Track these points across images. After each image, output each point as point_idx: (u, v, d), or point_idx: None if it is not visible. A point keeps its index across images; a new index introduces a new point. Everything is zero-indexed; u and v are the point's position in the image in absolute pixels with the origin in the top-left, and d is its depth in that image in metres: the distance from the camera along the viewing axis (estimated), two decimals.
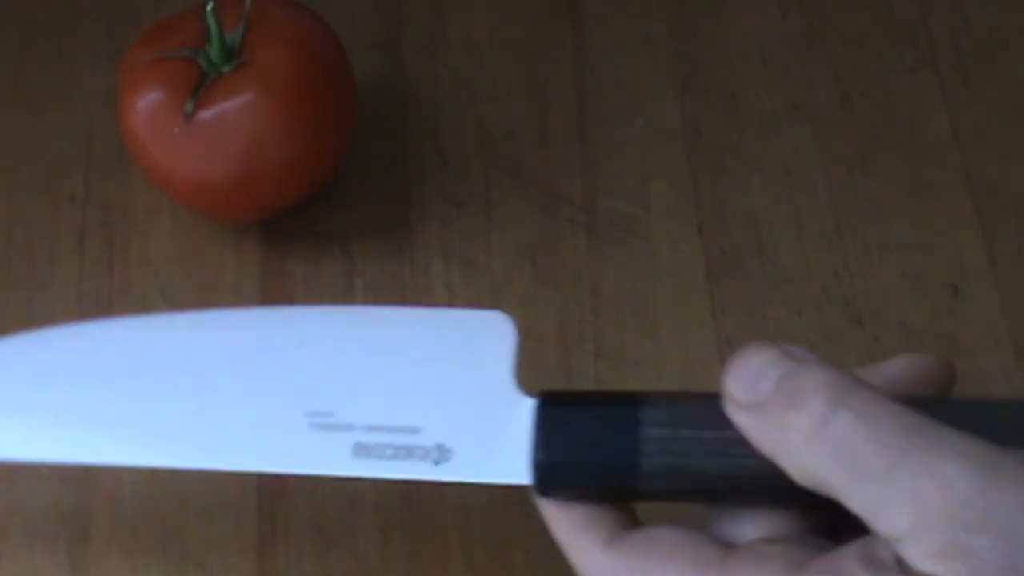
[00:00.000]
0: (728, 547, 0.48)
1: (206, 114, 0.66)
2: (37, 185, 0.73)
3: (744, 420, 0.48)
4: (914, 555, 0.44)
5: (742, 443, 0.48)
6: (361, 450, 0.52)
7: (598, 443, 0.50)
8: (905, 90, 0.76)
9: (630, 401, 0.50)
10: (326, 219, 0.72)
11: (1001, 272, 0.70)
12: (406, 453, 0.52)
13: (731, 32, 0.78)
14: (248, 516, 0.65)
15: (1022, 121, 0.75)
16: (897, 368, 0.52)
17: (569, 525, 0.51)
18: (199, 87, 0.67)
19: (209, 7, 0.66)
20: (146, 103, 0.67)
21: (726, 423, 0.49)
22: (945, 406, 0.49)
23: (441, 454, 0.52)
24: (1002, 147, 0.74)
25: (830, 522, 0.49)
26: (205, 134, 0.66)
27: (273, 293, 0.70)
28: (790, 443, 0.47)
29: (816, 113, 0.75)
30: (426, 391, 0.53)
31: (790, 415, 0.47)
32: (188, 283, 0.70)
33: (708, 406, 0.49)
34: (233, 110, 0.66)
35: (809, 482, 0.47)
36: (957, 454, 0.44)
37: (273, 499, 0.65)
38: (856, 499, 0.45)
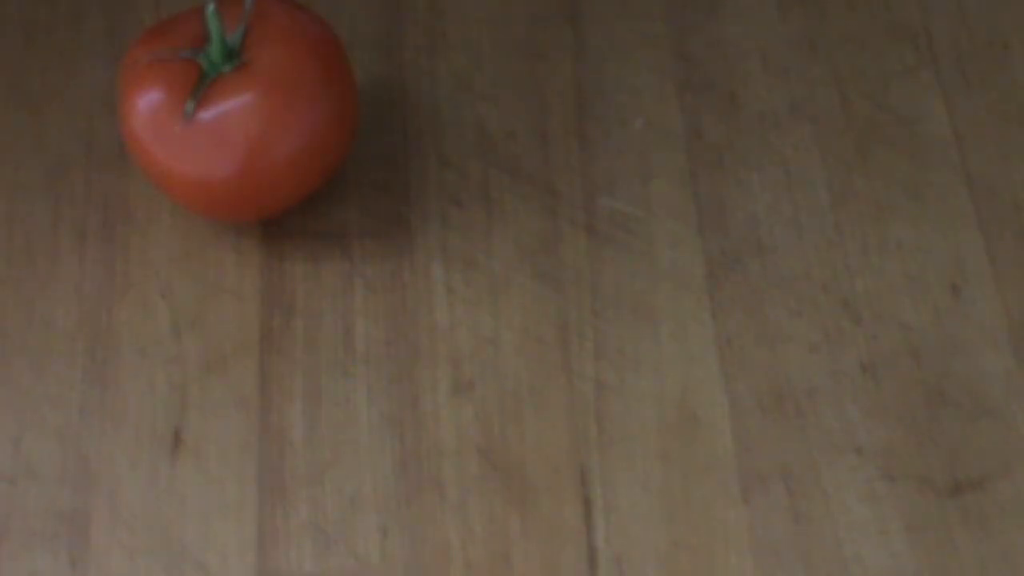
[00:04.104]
0: None
1: (206, 114, 0.66)
2: (37, 185, 0.73)
3: None
4: None
5: None
6: None
7: None
8: (905, 90, 0.76)
9: None
10: (326, 219, 0.72)
11: (1001, 272, 0.70)
12: None
13: (731, 32, 0.78)
14: (248, 516, 0.65)
15: (1022, 121, 0.75)
16: None
17: None
18: (199, 87, 0.67)
19: (209, 7, 0.66)
20: (146, 103, 0.67)
21: None
22: None
23: None
24: (1002, 147, 0.74)
25: None
26: (205, 134, 0.66)
27: (273, 293, 0.70)
28: None
29: (816, 113, 0.75)
30: None
31: None
32: (188, 283, 0.70)
33: None
34: (233, 110, 0.66)
35: None
36: None
37: (273, 499, 0.65)
38: None
